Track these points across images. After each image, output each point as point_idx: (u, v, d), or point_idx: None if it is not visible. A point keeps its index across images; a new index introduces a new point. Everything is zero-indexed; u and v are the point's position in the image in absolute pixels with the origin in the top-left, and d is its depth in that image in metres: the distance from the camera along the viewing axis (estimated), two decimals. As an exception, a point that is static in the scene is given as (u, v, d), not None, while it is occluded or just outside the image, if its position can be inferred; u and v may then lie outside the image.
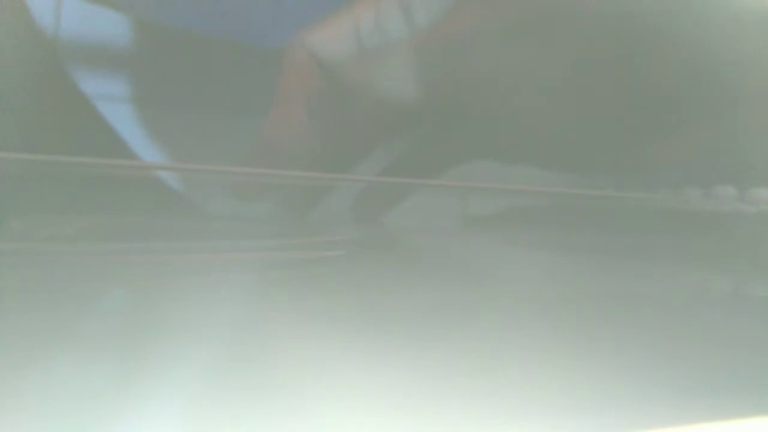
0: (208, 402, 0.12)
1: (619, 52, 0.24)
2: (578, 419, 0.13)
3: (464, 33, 0.25)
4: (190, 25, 0.29)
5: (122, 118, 0.27)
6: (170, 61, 0.29)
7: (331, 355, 0.15)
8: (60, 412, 0.12)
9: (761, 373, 0.16)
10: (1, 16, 0.24)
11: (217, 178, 0.26)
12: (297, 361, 0.15)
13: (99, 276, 0.20)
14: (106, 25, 0.28)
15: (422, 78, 0.26)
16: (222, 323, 0.17)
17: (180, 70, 0.29)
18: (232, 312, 0.18)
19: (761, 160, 0.30)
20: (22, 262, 0.20)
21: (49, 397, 0.12)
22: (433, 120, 0.26)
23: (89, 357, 0.14)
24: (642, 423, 0.13)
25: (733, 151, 0.30)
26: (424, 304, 0.20)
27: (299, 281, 0.22)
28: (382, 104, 0.26)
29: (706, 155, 0.30)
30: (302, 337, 0.16)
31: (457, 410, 0.13)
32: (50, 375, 0.13)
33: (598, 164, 0.30)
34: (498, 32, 0.25)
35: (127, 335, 0.16)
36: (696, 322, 0.21)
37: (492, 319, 0.19)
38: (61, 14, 0.26)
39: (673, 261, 0.29)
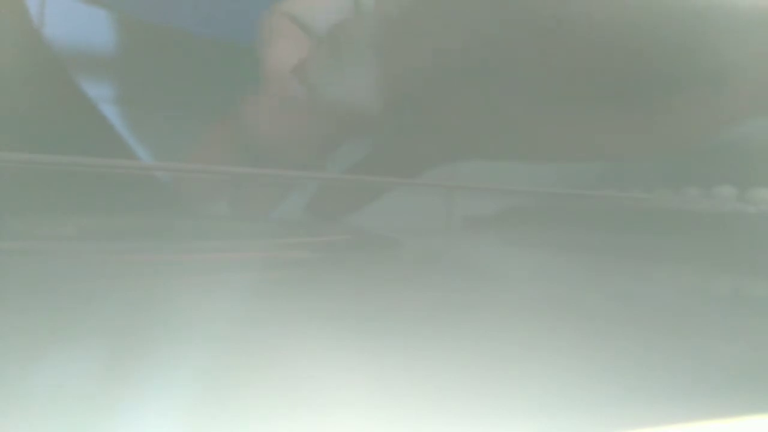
0: (208, 401, 0.12)
1: (616, 45, 0.24)
2: (577, 418, 0.13)
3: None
4: (189, 26, 0.29)
5: (122, 117, 0.27)
6: (171, 62, 0.29)
7: (330, 355, 0.15)
8: (60, 411, 0.12)
9: (761, 373, 0.16)
10: (1, 16, 0.24)
11: (217, 178, 0.26)
12: (296, 360, 0.15)
13: (99, 276, 0.20)
14: (105, 26, 0.28)
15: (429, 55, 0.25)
16: (222, 323, 0.17)
17: (180, 70, 0.29)
18: (233, 311, 0.18)
19: (761, 160, 0.30)
20: (22, 262, 0.20)
21: (50, 397, 0.12)
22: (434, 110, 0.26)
23: (89, 356, 0.14)
24: (642, 422, 0.13)
25: (733, 151, 0.30)
26: (423, 304, 0.20)
27: (299, 281, 0.22)
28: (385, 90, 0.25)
29: (706, 154, 0.30)
30: (301, 336, 0.16)
31: (456, 410, 0.13)
32: (50, 374, 0.13)
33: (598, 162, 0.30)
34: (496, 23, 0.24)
35: (126, 335, 0.16)
36: (695, 322, 0.21)
37: (491, 320, 0.19)
38: (60, 14, 0.26)
39: (673, 261, 0.29)
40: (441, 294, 0.22)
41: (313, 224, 0.28)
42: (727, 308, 0.24)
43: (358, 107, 0.25)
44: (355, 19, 0.27)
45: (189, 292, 0.20)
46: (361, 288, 0.22)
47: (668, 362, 0.17)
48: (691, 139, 0.27)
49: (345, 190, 0.28)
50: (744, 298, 0.26)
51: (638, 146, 0.27)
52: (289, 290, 0.21)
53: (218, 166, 0.26)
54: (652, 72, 0.24)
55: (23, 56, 0.24)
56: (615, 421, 0.13)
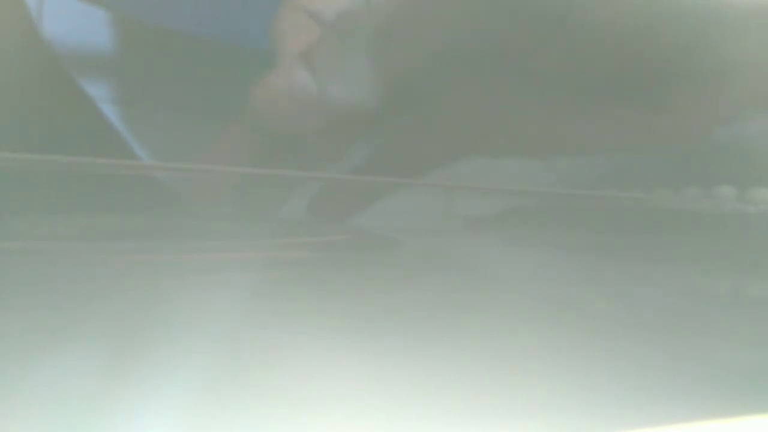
0: (208, 400, 0.12)
1: (616, 44, 0.24)
2: (577, 418, 0.13)
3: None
4: (190, 27, 0.29)
5: (122, 117, 0.27)
6: (171, 62, 0.29)
7: (330, 355, 0.15)
8: (60, 411, 0.12)
9: (761, 373, 0.16)
10: (1, 16, 0.24)
11: (217, 178, 0.26)
12: (296, 360, 0.15)
13: (99, 276, 0.20)
14: (105, 26, 0.28)
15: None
16: (222, 323, 0.17)
17: (180, 71, 0.29)
18: (233, 311, 0.18)
19: (761, 160, 0.30)
20: (22, 262, 0.20)
21: (50, 397, 0.12)
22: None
23: (89, 356, 0.14)
24: (642, 422, 0.13)
25: (733, 151, 0.30)
26: (423, 304, 0.20)
27: (299, 281, 0.22)
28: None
29: (706, 154, 0.30)
30: (301, 336, 0.16)
31: (456, 410, 0.13)
32: (50, 374, 0.13)
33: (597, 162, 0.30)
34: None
35: (127, 335, 0.16)
36: (696, 322, 0.21)
37: (491, 320, 0.19)
38: (60, 14, 0.26)
39: (673, 261, 0.29)
40: (441, 294, 0.22)
41: (313, 224, 0.28)
42: (727, 308, 0.24)
43: (361, 105, 0.25)
44: (360, 14, 0.27)
45: (189, 292, 0.20)
46: (361, 288, 0.22)
47: (668, 362, 0.17)
48: (692, 137, 0.27)
49: (345, 190, 0.28)
50: (744, 298, 0.26)
51: (639, 145, 0.27)
52: (289, 290, 0.21)
53: (219, 166, 0.26)
54: (653, 70, 0.24)
55: (23, 56, 0.24)
56: (615, 421, 0.13)
